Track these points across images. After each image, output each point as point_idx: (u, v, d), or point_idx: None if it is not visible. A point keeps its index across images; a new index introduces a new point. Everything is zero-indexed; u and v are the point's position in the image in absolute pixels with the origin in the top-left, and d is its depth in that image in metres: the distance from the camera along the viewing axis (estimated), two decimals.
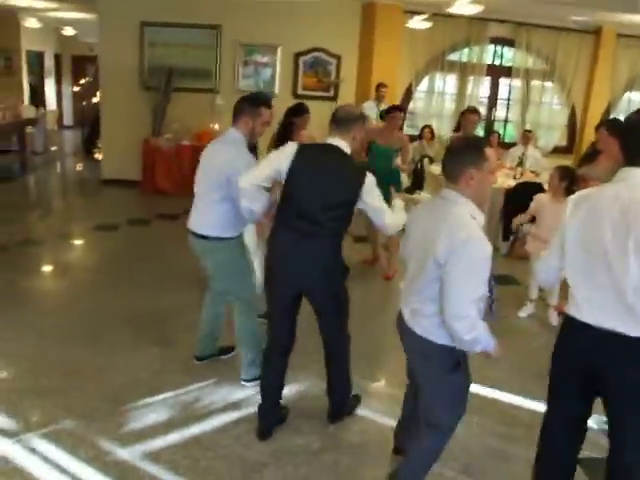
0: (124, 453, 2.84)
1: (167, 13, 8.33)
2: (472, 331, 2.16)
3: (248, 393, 3.40)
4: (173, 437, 2.99)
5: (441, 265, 2.15)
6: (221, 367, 3.64)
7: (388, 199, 3.03)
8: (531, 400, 3.51)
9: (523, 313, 4.99)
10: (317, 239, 2.78)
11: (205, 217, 3.29)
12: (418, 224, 2.39)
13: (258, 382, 3.22)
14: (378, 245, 5.79)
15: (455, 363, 2.34)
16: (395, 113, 5.43)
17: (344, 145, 2.84)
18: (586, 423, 2.37)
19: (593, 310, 2.13)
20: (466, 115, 5.62)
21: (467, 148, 2.27)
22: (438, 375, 2.38)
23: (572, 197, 2.28)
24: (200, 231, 3.30)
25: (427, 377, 2.43)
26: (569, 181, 4.67)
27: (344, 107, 2.99)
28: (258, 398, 3.09)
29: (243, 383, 3.48)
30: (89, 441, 2.91)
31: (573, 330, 2.23)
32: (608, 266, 2.06)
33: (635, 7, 7.67)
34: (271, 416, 3.07)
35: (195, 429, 3.07)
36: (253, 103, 3.27)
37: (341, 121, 2.85)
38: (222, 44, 8.70)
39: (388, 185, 4.61)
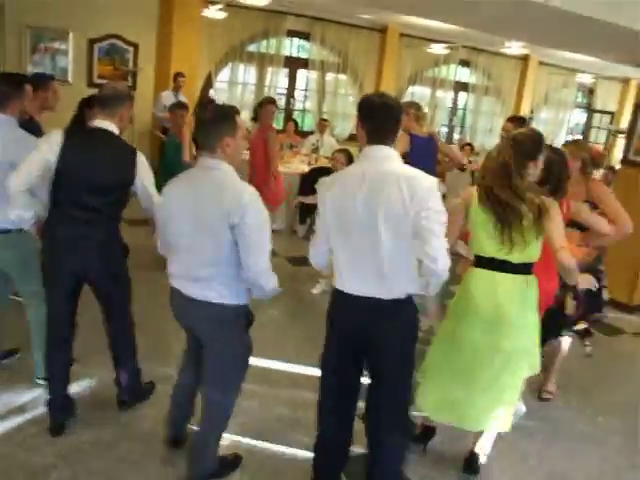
0: None
1: None
2: (272, 280, 2.49)
3: (32, 395, 3.26)
4: None
5: (234, 227, 2.32)
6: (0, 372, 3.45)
7: None
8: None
9: (316, 290, 5.41)
10: (94, 224, 2.81)
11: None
12: (183, 199, 2.42)
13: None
14: None
15: (248, 322, 2.60)
16: (180, 111, 5.73)
17: (112, 127, 2.81)
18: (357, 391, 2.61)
19: (354, 281, 2.38)
20: (264, 106, 5.82)
21: (221, 118, 2.41)
22: (232, 336, 2.56)
23: (322, 180, 2.45)
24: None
25: (220, 342, 2.55)
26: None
27: (108, 86, 2.92)
28: (44, 399, 3.02)
29: (39, 382, 3.33)
30: None
31: (340, 300, 2.46)
32: (362, 239, 2.30)
33: (413, 9, 8.51)
34: (62, 410, 3.03)
35: None
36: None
37: (107, 101, 2.80)
38: (5, 26, 7.94)
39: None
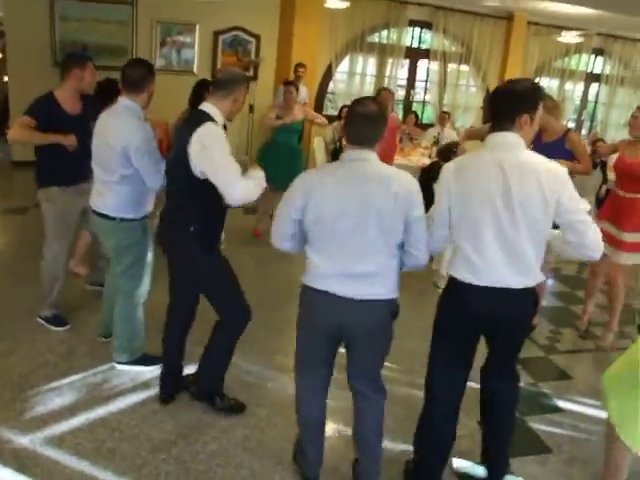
0: (24, 440, 2.75)
1: None
2: None
3: (157, 373, 3.32)
4: (78, 420, 2.93)
5: (409, 213, 2.22)
6: None
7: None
8: None
9: (442, 284, 5.15)
10: (182, 209, 2.83)
11: (105, 197, 3.18)
12: (342, 194, 2.24)
13: (129, 366, 3.40)
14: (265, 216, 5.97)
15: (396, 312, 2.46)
16: (288, 88, 5.84)
17: (211, 109, 2.74)
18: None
19: (487, 272, 2.28)
20: (382, 94, 5.74)
21: (380, 114, 2.27)
22: (390, 330, 2.45)
23: (449, 165, 2.38)
24: (101, 210, 3.22)
25: (381, 338, 2.44)
26: None
27: (225, 69, 2.97)
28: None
29: (115, 365, 3.42)
30: None
31: (466, 293, 2.36)
32: (497, 228, 2.23)
33: None
34: (172, 383, 3.16)
35: (101, 411, 3.01)
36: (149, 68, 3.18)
37: (221, 83, 2.79)
38: (138, 21, 8.36)
39: (292, 159, 5.50)
